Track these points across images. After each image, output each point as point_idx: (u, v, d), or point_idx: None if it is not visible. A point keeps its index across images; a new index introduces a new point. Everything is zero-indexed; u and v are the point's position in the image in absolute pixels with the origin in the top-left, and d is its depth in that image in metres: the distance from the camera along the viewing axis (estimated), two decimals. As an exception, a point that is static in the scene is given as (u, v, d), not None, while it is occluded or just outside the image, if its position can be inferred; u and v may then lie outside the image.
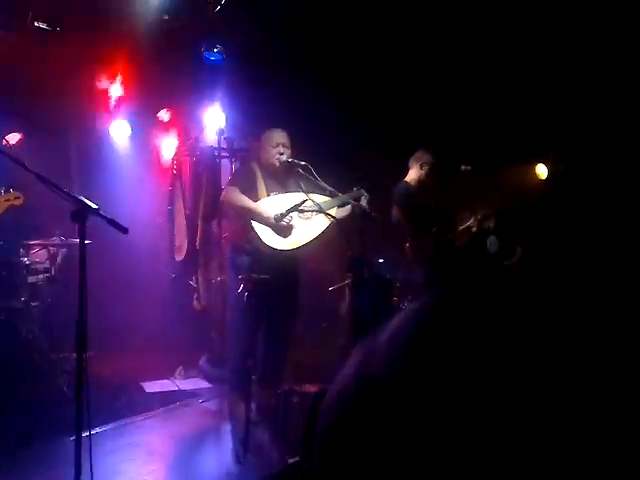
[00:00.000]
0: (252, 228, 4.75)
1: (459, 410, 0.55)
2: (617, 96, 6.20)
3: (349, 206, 4.99)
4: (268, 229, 4.76)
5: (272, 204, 4.84)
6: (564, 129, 6.62)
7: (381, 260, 5.66)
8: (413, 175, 5.92)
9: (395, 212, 5.72)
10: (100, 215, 2.99)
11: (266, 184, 4.96)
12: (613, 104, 6.25)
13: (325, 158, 5.31)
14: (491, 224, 6.59)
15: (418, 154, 5.93)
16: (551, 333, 0.63)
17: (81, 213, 2.95)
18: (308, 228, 4.91)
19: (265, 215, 4.74)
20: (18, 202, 4.44)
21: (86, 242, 3.02)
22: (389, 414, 0.57)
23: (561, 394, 0.58)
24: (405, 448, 0.56)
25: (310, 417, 2.15)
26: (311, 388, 4.34)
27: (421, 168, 5.88)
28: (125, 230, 3.04)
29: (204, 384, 5.89)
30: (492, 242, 6.56)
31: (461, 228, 6.22)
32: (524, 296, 0.65)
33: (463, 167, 5.90)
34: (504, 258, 6.77)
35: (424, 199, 5.93)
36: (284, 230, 4.81)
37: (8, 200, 4.38)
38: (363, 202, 4.97)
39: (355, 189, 5.07)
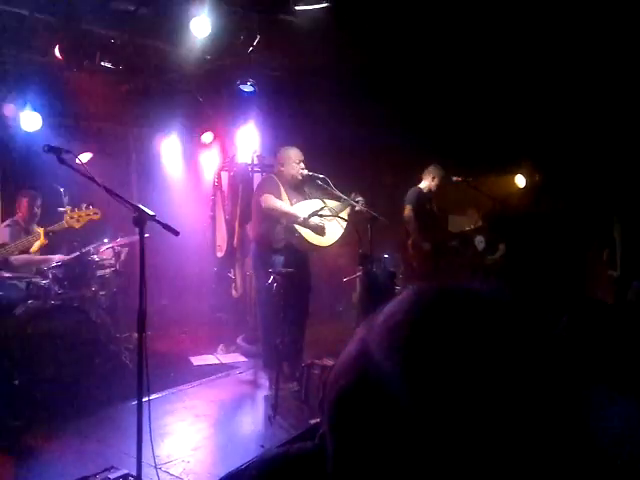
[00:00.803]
0: (296, 230, 4.80)
1: (444, 389, 0.53)
2: (583, 115, 6.13)
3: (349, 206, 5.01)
4: (308, 230, 4.82)
5: (300, 209, 4.87)
6: (539, 145, 6.57)
7: (386, 255, 5.65)
8: (425, 184, 6.00)
9: (407, 211, 5.78)
10: (156, 220, 3.00)
11: (287, 193, 4.99)
12: (580, 123, 6.19)
13: (334, 169, 5.30)
14: (478, 225, 6.56)
15: (431, 168, 6.04)
16: (536, 325, 0.60)
17: (140, 219, 2.96)
18: (334, 228, 4.96)
19: (299, 217, 4.79)
20: (96, 217, 4.47)
21: (145, 238, 3.04)
22: (382, 388, 0.55)
23: (551, 388, 0.55)
24: (397, 419, 0.54)
25: (323, 385, 2.15)
26: (329, 362, 4.33)
27: (432, 180, 5.97)
28: (177, 233, 3.05)
29: (242, 358, 5.88)
30: (480, 241, 6.53)
31: (459, 231, 6.22)
32: (508, 291, 0.62)
33: (454, 178, 5.89)
34: (489, 254, 6.74)
35: (429, 205, 5.97)
36: (320, 230, 4.87)
37: (89, 215, 4.41)
38: (358, 204, 4.96)
39: (352, 194, 5.06)
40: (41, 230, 4.41)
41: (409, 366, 0.54)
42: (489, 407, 0.52)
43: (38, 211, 5.40)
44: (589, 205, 5.90)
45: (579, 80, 5.81)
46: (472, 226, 6.22)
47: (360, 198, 4.98)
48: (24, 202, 5.39)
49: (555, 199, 6.64)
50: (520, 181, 7.28)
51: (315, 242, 4.89)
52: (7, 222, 5.44)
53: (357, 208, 4.87)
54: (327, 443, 0.61)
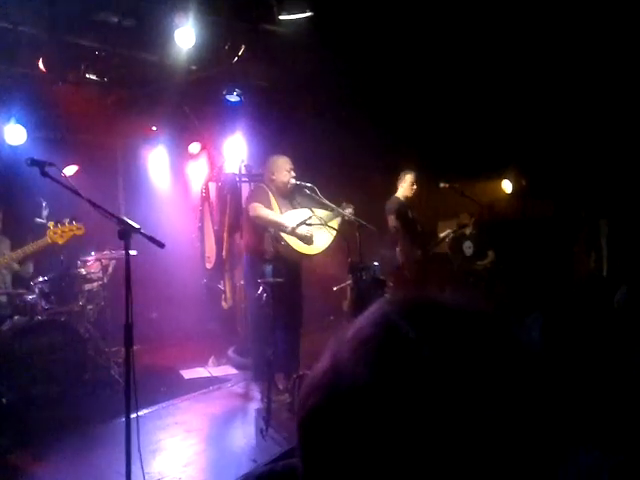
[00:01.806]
0: (282, 238, 4.76)
1: (410, 401, 0.52)
2: (569, 120, 6.17)
3: (339, 217, 4.98)
4: (295, 239, 4.78)
5: (289, 218, 4.84)
6: (526, 151, 6.61)
7: (375, 263, 5.62)
8: (401, 191, 5.96)
9: (392, 222, 5.74)
10: (141, 233, 2.96)
11: (277, 202, 4.96)
12: (566, 128, 6.23)
13: (322, 178, 5.29)
14: (468, 231, 6.57)
15: (403, 174, 5.98)
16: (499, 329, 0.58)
17: (126, 232, 2.92)
18: (322, 236, 4.93)
19: (288, 227, 4.75)
20: (80, 232, 4.41)
21: (132, 254, 3.00)
22: (353, 403, 0.54)
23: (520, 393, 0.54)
24: (367, 430, 0.53)
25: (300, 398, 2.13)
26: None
27: (411, 185, 5.93)
28: (162, 245, 3.01)
29: (232, 371, 5.82)
30: (468, 246, 6.55)
31: (442, 236, 6.21)
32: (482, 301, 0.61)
33: (442, 184, 5.89)
34: (477, 259, 6.75)
35: (411, 212, 5.95)
36: (307, 239, 4.83)
37: (72, 230, 4.35)
38: (347, 214, 4.94)
39: (343, 204, 5.04)
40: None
41: (379, 381, 0.53)
42: (456, 425, 0.51)
43: None
44: (576, 209, 5.93)
45: (565, 86, 5.86)
46: (454, 229, 6.20)
47: (350, 208, 4.94)
48: None
49: (542, 204, 6.67)
50: (507, 186, 7.32)
51: (302, 250, 4.85)
52: None
53: (346, 218, 4.84)
54: (298, 462, 0.60)
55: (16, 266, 5.09)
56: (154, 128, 7.05)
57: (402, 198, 5.94)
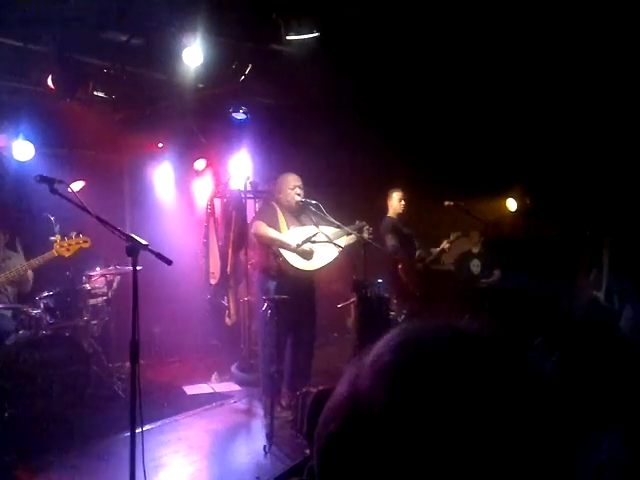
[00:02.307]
0: (280, 254, 4.78)
1: (430, 428, 0.53)
2: (573, 139, 6.21)
3: (353, 235, 5.00)
4: (294, 255, 4.80)
5: (293, 235, 4.87)
6: (530, 169, 6.64)
7: (379, 280, 5.63)
8: (392, 210, 6.00)
9: (389, 241, 5.74)
10: (149, 250, 2.98)
11: (285, 219, 4.99)
12: (571, 146, 6.27)
13: (327, 195, 5.32)
14: (476, 249, 6.58)
15: (391, 193, 6.02)
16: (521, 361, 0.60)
17: (134, 248, 2.95)
18: (324, 254, 4.95)
19: (290, 244, 4.78)
20: (86, 245, 4.43)
21: (137, 270, 3.01)
22: (373, 430, 0.55)
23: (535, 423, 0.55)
24: (387, 457, 0.54)
25: (309, 415, 2.11)
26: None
27: (399, 202, 5.97)
28: (169, 262, 3.03)
29: (236, 387, 5.80)
30: (475, 265, 6.55)
31: (437, 250, 6.21)
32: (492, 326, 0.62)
33: (446, 203, 5.91)
34: (483, 278, 6.76)
35: (406, 229, 5.98)
36: (307, 255, 4.85)
37: (78, 243, 4.37)
38: (365, 233, 4.98)
39: (357, 222, 5.08)
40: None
41: (397, 407, 0.54)
42: (478, 449, 0.52)
43: (5, 238, 5.26)
44: (581, 227, 5.94)
45: (571, 105, 5.90)
46: (446, 245, 6.20)
47: (366, 225, 4.96)
48: None
49: (546, 222, 6.69)
50: (511, 205, 7.35)
51: (299, 266, 4.84)
52: None
53: (358, 238, 4.85)
54: None
55: (29, 283, 5.12)
56: (160, 145, 7.11)
57: (394, 216, 5.99)
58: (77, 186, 6.30)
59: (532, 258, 6.47)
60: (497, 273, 6.74)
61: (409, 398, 0.54)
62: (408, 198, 6.00)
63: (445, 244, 6.04)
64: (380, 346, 0.62)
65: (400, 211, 5.97)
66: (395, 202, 5.98)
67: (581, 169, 6.26)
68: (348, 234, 4.99)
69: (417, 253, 5.91)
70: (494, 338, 0.61)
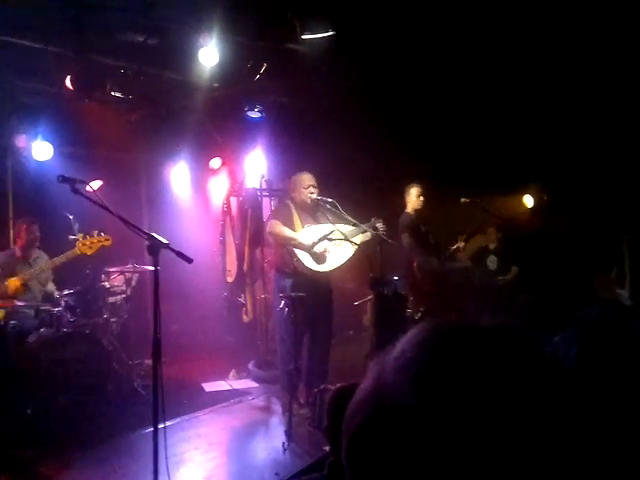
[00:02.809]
0: (295, 254, 4.80)
1: (454, 421, 0.55)
2: (592, 134, 6.17)
3: (369, 233, 4.99)
4: (307, 255, 4.82)
5: (308, 234, 4.88)
6: (547, 165, 6.60)
7: (396, 278, 5.63)
8: (411, 206, 5.96)
9: (405, 238, 5.72)
10: (170, 248, 3.02)
11: (300, 218, 5.00)
12: (589, 142, 6.22)
13: (345, 193, 5.33)
14: (492, 245, 6.55)
15: (409, 188, 5.97)
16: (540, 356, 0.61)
17: (155, 247, 2.99)
18: (339, 253, 4.95)
19: (304, 243, 4.80)
20: (107, 243, 4.49)
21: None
22: (398, 423, 0.57)
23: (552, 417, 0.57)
24: (411, 448, 0.56)
25: (330, 411, 2.11)
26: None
27: (417, 198, 5.92)
28: (190, 260, 3.06)
29: (253, 384, 5.84)
30: (492, 261, 6.53)
31: (452, 248, 6.19)
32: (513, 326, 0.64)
33: (462, 199, 5.88)
34: (501, 275, 6.72)
35: (422, 225, 5.95)
36: (321, 256, 4.86)
37: (100, 241, 4.43)
38: (380, 229, 4.98)
39: (372, 219, 5.07)
40: (17, 280, 4.47)
41: (422, 403, 0.56)
42: (503, 441, 0.54)
43: (37, 236, 5.34)
44: (598, 224, 5.90)
45: (588, 100, 5.85)
46: (461, 244, 6.17)
47: (379, 222, 4.96)
48: (22, 229, 5.37)
49: (564, 219, 6.64)
50: (528, 201, 7.30)
51: (313, 268, 4.86)
52: (4, 252, 5.41)
53: (373, 235, 4.86)
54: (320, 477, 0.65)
55: (50, 286, 5.22)
56: (177, 147, 7.17)
57: (412, 212, 5.94)
58: (95, 185, 6.36)
59: (549, 255, 6.43)
60: (514, 269, 6.70)
61: (432, 392, 0.56)
62: (427, 193, 5.96)
63: (460, 242, 6.02)
64: (404, 343, 0.63)
65: (418, 207, 5.92)
66: (413, 198, 5.93)
67: (599, 166, 6.21)
68: (364, 232, 4.99)
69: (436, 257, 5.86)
70: (515, 334, 0.62)
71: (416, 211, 5.92)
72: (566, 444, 0.56)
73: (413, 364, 0.60)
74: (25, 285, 4.85)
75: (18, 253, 5.31)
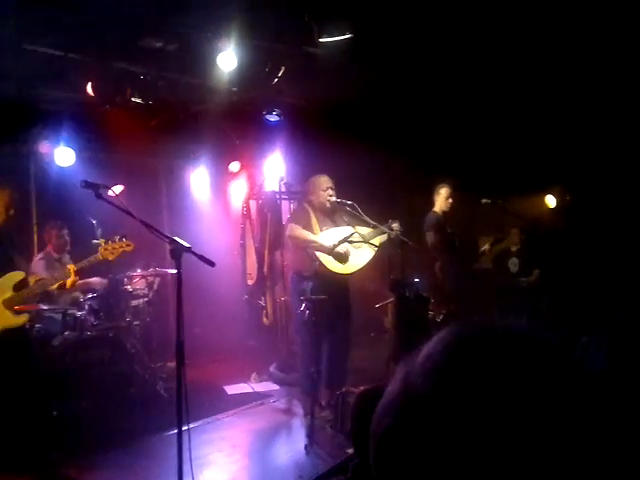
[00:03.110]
0: (317, 257, 4.81)
1: (477, 424, 0.55)
2: (614, 133, 6.09)
3: (385, 234, 4.98)
4: (330, 257, 4.82)
5: (328, 237, 4.89)
6: (570, 165, 6.52)
7: (417, 280, 5.60)
8: (439, 206, 5.93)
9: (430, 238, 5.70)
10: (192, 252, 3.04)
11: (318, 221, 5.01)
12: (611, 141, 6.14)
13: (361, 195, 5.32)
14: (514, 247, 6.49)
15: (439, 187, 5.95)
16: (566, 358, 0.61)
17: (177, 251, 3.01)
18: (360, 255, 4.95)
19: (325, 245, 4.80)
20: (129, 249, 4.51)
21: (175, 272, 3.07)
22: (426, 425, 0.58)
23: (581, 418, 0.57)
24: (439, 451, 0.56)
25: (354, 414, 2.11)
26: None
27: (445, 200, 5.89)
28: (212, 264, 3.08)
29: (275, 387, 5.86)
30: (513, 263, 6.47)
31: (480, 250, 6.15)
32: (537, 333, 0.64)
33: (483, 200, 5.83)
34: (522, 276, 6.66)
35: (448, 226, 5.91)
36: (342, 258, 4.86)
37: (122, 247, 4.46)
38: (396, 230, 4.95)
39: (389, 221, 5.05)
40: (71, 267, 4.49)
41: (449, 407, 0.57)
42: (529, 445, 0.54)
43: (67, 240, 5.54)
44: (624, 224, 5.82)
45: (613, 100, 5.78)
46: (487, 247, 6.12)
47: (396, 223, 4.95)
48: (52, 233, 5.53)
49: (587, 219, 6.56)
50: (551, 201, 7.21)
51: (336, 270, 4.88)
52: (40, 255, 5.60)
53: (391, 235, 4.85)
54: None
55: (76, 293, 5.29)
56: (196, 152, 7.22)
57: (439, 213, 5.91)
58: (117, 190, 6.44)
59: (574, 256, 6.35)
60: (536, 272, 6.62)
61: (459, 396, 0.57)
62: (454, 193, 5.91)
63: (486, 246, 5.96)
64: (430, 346, 0.64)
65: (446, 209, 5.90)
66: (442, 198, 5.91)
67: (622, 166, 6.13)
68: (382, 233, 4.97)
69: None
70: (543, 338, 0.62)
71: (443, 212, 5.90)
72: (594, 447, 0.57)
73: (439, 368, 0.61)
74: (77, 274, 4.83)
75: (54, 255, 5.53)
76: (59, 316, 5.13)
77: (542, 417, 0.55)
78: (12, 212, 4.29)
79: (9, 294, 4.14)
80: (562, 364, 0.60)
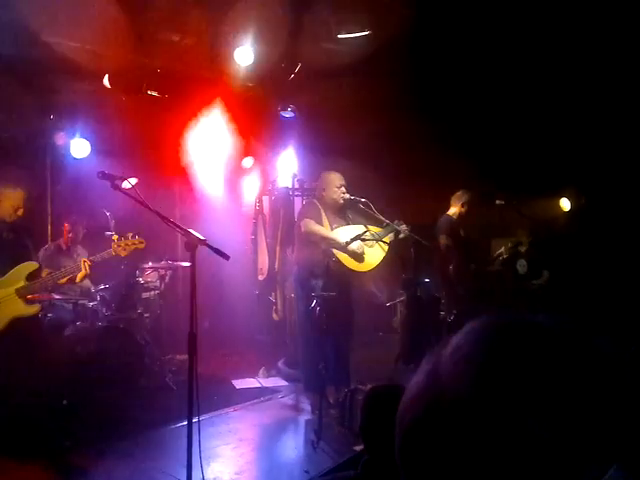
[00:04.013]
0: (333, 254, 4.79)
1: (510, 415, 0.55)
2: (629, 135, 6.03)
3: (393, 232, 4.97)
4: (346, 255, 4.81)
5: (341, 233, 4.89)
6: (584, 169, 6.48)
7: (427, 280, 5.59)
8: (455, 210, 5.89)
9: (443, 240, 5.67)
10: (207, 245, 3.05)
11: (328, 218, 5.00)
12: (626, 143, 6.09)
13: (374, 193, 5.31)
14: (522, 249, 6.45)
15: (459, 193, 5.90)
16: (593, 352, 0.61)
17: (192, 243, 3.02)
18: (374, 253, 4.94)
19: (339, 242, 4.79)
20: (141, 246, 4.52)
21: (187, 265, 3.08)
22: (456, 418, 0.57)
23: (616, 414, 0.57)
24: (469, 446, 0.56)
25: (364, 411, 2.10)
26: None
27: (462, 206, 5.85)
28: (227, 257, 3.09)
29: (283, 382, 5.85)
30: (521, 264, 6.43)
31: (495, 255, 6.12)
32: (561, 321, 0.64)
33: (498, 201, 5.80)
34: (532, 278, 6.62)
35: (462, 230, 5.89)
36: (358, 256, 4.85)
37: (134, 244, 4.48)
38: (403, 231, 4.92)
39: (396, 221, 5.02)
40: (86, 261, 4.51)
41: (481, 396, 0.57)
42: (562, 437, 0.54)
43: (81, 233, 5.58)
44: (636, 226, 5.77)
45: (629, 102, 5.74)
46: (508, 246, 6.07)
47: (404, 225, 4.94)
48: (70, 227, 5.57)
49: (602, 221, 6.51)
50: (565, 204, 7.16)
51: (353, 267, 4.87)
52: (46, 246, 5.60)
53: (401, 235, 4.84)
54: (399, 473, 0.64)
55: (86, 281, 5.31)
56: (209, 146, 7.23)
57: (453, 217, 5.88)
58: (132, 182, 6.46)
59: (585, 258, 6.30)
60: (546, 273, 6.58)
61: (491, 387, 0.57)
62: (473, 202, 5.87)
63: (502, 250, 5.93)
64: (460, 338, 0.64)
65: (463, 215, 5.86)
66: (460, 204, 5.88)
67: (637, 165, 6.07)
68: (395, 231, 4.96)
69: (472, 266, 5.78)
70: (571, 330, 0.62)
71: (457, 216, 5.86)
72: (628, 438, 0.56)
73: (470, 359, 0.60)
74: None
75: (64, 247, 5.55)
76: (71, 306, 5.17)
77: (576, 408, 0.55)
78: (20, 212, 4.32)
79: (22, 283, 4.18)
80: (593, 357, 0.60)
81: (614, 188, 6.34)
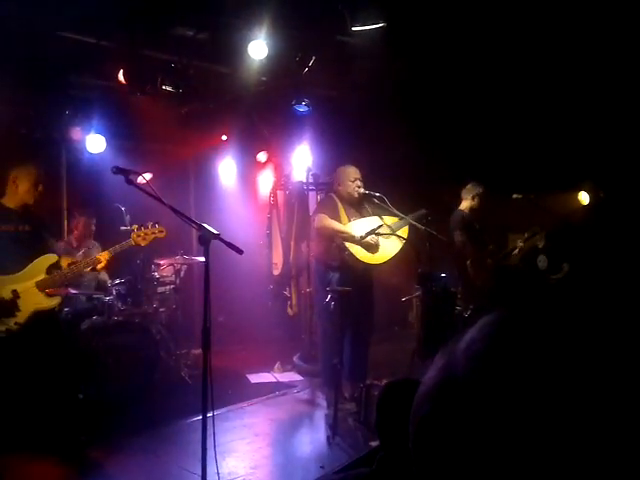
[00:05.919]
0: (346, 248, 4.78)
1: (524, 411, 0.53)
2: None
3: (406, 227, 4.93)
4: (359, 247, 4.79)
5: (356, 227, 4.86)
6: (603, 162, 6.38)
7: (443, 275, 5.53)
8: (466, 204, 5.81)
9: (458, 236, 5.59)
10: (221, 239, 3.04)
11: (346, 211, 4.99)
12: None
13: (389, 187, 5.27)
14: (541, 244, 6.36)
15: (470, 187, 5.82)
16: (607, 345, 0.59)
17: (206, 238, 3.01)
18: (389, 246, 4.91)
19: (354, 236, 4.77)
20: (162, 235, 4.50)
21: (202, 260, 3.07)
22: (467, 412, 0.56)
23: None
24: (481, 440, 0.55)
25: (380, 406, 2.08)
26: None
27: (473, 199, 5.77)
28: (241, 251, 3.08)
29: (298, 377, 5.86)
30: (541, 260, 6.35)
31: (510, 248, 6.04)
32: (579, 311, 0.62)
33: (514, 195, 5.71)
34: (552, 273, 6.53)
35: (476, 222, 5.81)
36: (372, 248, 4.83)
37: (154, 233, 4.46)
38: (423, 220, 4.88)
39: (417, 212, 4.98)
40: (106, 253, 4.51)
41: (495, 392, 0.56)
42: (576, 433, 0.52)
43: (93, 230, 5.63)
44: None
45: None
46: (523, 239, 5.98)
47: (424, 210, 4.88)
48: (81, 221, 5.60)
49: (620, 215, 6.40)
50: (584, 198, 7.06)
51: (366, 260, 4.83)
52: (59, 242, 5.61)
53: (418, 227, 4.79)
54: (413, 469, 0.63)
55: (103, 274, 5.33)
56: (224, 137, 7.24)
57: (466, 211, 5.80)
58: (146, 177, 6.48)
59: (605, 251, 6.21)
60: (566, 267, 6.48)
61: (503, 382, 0.55)
62: (485, 194, 5.80)
63: (519, 243, 5.84)
64: (474, 332, 0.62)
65: (475, 208, 5.78)
66: (470, 197, 5.80)
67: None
68: (408, 224, 4.92)
69: (490, 247, 5.71)
70: (588, 324, 0.60)
71: (470, 210, 5.78)
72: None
73: (483, 353, 0.59)
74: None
75: (74, 243, 5.57)
76: (87, 300, 5.20)
77: (592, 403, 0.53)
78: (40, 188, 4.26)
79: (42, 276, 4.19)
80: (616, 351, 0.58)
81: (633, 182, 6.23)
